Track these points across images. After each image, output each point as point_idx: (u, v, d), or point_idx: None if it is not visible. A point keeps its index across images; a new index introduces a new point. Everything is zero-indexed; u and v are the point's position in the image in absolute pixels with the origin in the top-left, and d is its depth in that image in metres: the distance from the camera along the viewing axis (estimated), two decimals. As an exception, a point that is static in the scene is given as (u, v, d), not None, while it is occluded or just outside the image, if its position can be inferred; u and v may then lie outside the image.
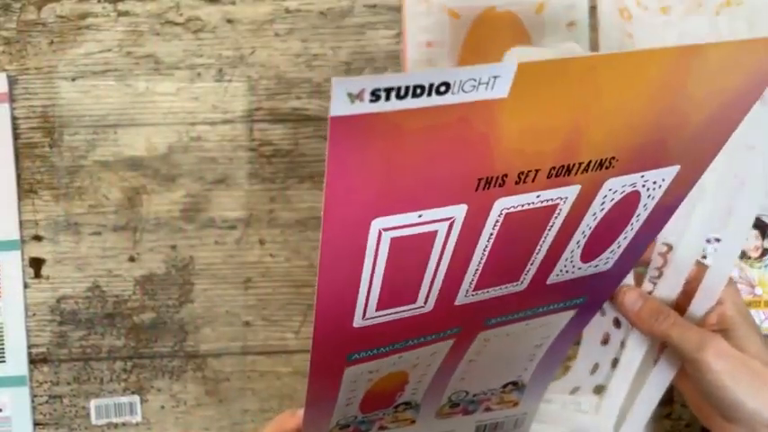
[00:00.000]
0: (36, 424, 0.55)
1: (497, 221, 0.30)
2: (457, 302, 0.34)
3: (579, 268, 0.36)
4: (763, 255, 0.52)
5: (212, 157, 0.54)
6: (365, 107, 0.23)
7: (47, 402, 0.55)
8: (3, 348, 0.54)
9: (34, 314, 0.55)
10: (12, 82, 0.55)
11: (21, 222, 0.54)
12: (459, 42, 0.53)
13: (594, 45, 0.53)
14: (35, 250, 0.55)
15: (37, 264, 0.55)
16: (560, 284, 0.36)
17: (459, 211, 0.29)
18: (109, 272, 0.55)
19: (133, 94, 0.54)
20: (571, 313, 0.40)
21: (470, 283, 0.33)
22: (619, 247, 0.36)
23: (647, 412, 0.43)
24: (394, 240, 0.29)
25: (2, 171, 0.54)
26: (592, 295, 0.39)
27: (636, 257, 0.37)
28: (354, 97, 0.23)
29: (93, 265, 0.55)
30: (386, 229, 0.28)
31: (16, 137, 0.55)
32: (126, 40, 0.54)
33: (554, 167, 0.29)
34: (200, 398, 0.55)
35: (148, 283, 0.55)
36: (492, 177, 0.28)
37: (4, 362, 0.54)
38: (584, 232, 0.33)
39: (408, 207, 0.28)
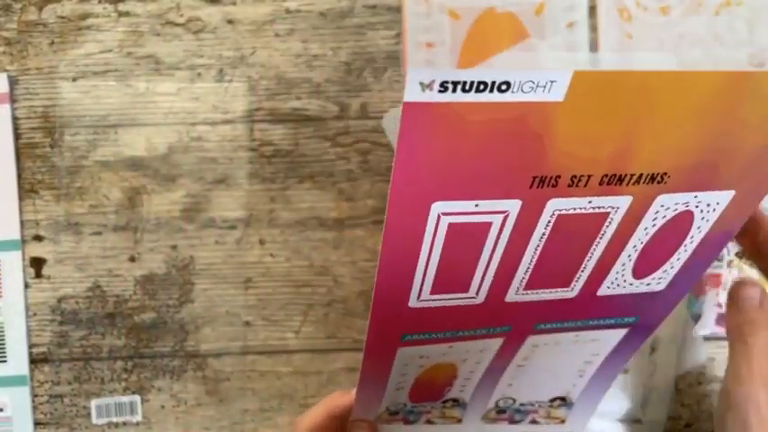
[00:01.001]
0: (37, 423, 0.55)
1: (549, 222, 0.31)
2: (507, 299, 0.35)
3: (631, 284, 0.36)
4: None
5: (212, 158, 0.54)
6: (434, 96, 0.26)
7: (47, 402, 0.55)
8: (3, 348, 0.54)
9: (35, 314, 0.55)
10: (12, 82, 0.55)
11: (21, 222, 0.55)
12: (459, 43, 0.53)
13: (594, 45, 0.53)
14: (36, 250, 0.55)
15: (38, 264, 0.55)
16: (611, 298, 0.37)
17: (513, 206, 0.30)
18: (109, 272, 0.55)
19: (133, 95, 0.54)
20: (622, 332, 0.40)
21: (521, 281, 0.34)
22: (672, 268, 0.36)
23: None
24: (451, 226, 0.30)
25: (2, 171, 0.54)
26: (644, 316, 0.39)
27: (690, 282, 0.37)
28: (425, 86, 0.26)
29: (94, 265, 0.55)
30: (444, 214, 0.30)
31: (17, 137, 0.55)
32: (126, 40, 0.54)
33: (606, 175, 0.30)
34: (200, 397, 0.55)
35: (149, 282, 0.55)
36: (545, 177, 0.29)
37: (4, 362, 0.54)
38: (635, 246, 0.34)
39: (466, 195, 0.29)
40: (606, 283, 0.36)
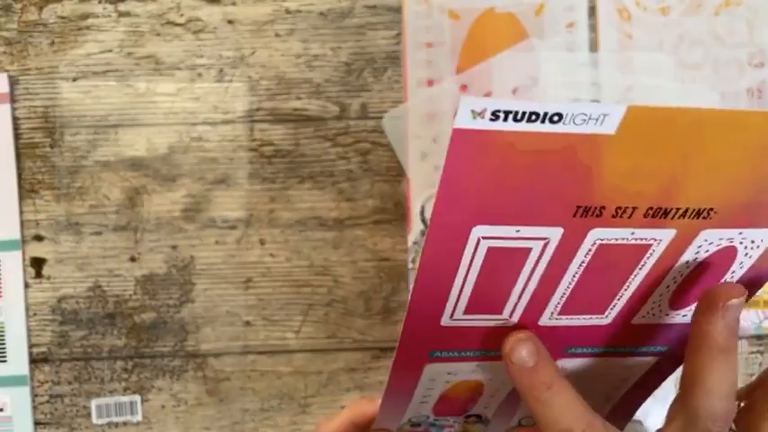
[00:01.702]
0: (37, 423, 0.55)
1: (590, 250, 0.31)
2: (540, 323, 0.36)
3: (667, 314, 0.36)
4: None
5: (213, 158, 0.54)
6: (485, 124, 0.26)
7: (48, 402, 0.55)
8: (4, 348, 0.54)
9: (35, 314, 0.55)
10: (13, 82, 0.55)
11: (22, 222, 0.55)
12: (458, 43, 0.53)
13: (594, 46, 0.53)
14: (36, 250, 0.55)
15: (38, 264, 0.55)
16: (646, 327, 0.37)
17: (554, 234, 0.30)
18: (110, 272, 0.55)
19: (134, 95, 0.55)
20: (652, 360, 0.40)
21: (556, 306, 0.34)
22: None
23: None
24: (490, 249, 0.31)
25: (3, 171, 0.54)
26: (677, 346, 0.39)
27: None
28: (477, 114, 0.26)
29: (94, 265, 0.55)
30: (485, 238, 0.30)
31: (17, 137, 0.55)
32: (127, 40, 0.54)
33: (651, 208, 0.30)
34: (200, 397, 0.55)
35: (149, 282, 0.55)
36: (590, 207, 0.29)
37: (5, 361, 0.54)
38: (675, 278, 0.34)
39: (508, 221, 0.30)
40: (642, 312, 0.36)
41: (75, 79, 0.54)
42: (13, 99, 0.55)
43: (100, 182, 0.55)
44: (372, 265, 0.54)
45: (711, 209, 0.30)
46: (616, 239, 0.31)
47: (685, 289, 0.35)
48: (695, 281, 0.34)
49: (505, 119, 0.26)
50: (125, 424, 0.55)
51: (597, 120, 0.26)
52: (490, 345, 0.37)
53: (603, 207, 0.29)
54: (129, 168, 0.55)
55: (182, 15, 0.54)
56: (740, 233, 0.32)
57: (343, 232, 0.54)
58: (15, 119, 0.55)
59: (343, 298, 0.54)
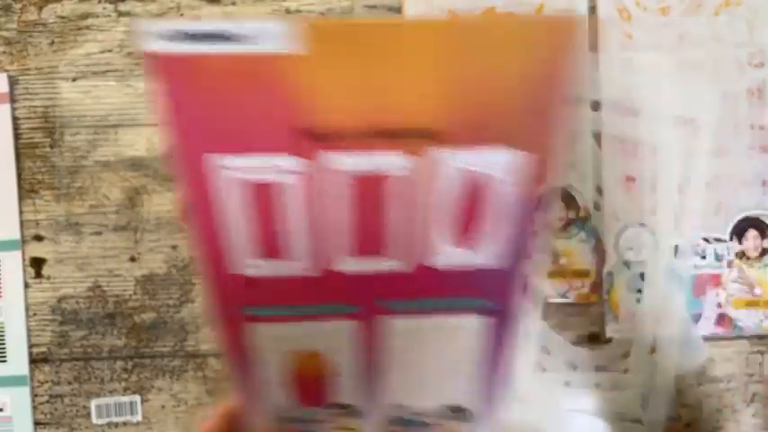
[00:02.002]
0: (37, 423, 0.55)
1: (341, 181, 0.31)
2: (338, 269, 0.35)
3: (460, 255, 0.36)
4: (762, 254, 0.52)
5: (213, 158, 0.54)
6: (172, 47, 0.26)
7: (47, 402, 0.55)
8: (4, 348, 0.54)
9: (35, 314, 0.55)
10: (12, 82, 0.55)
11: (22, 222, 0.55)
12: (459, 43, 0.53)
13: (594, 46, 0.53)
14: (36, 250, 0.55)
15: (38, 264, 0.55)
16: (450, 275, 0.37)
17: (292, 163, 0.30)
18: (110, 271, 0.55)
19: (134, 95, 0.54)
20: (479, 321, 0.39)
21: (343, 249, 0.34)
22: (491, 238, 0.35)
23: None
24: (239, 183, 0.31)
25: (3, 171, 0.54)
26: (494, 300, 0.38)
27: (522, 255, 0.37)
28: (160, 37, 0.26)
29: (94, 265, 0.55)
30: (224, 168, 0.30)
31: (17, 137, 0.55)
32: (126, 40, 0.54)
33: (375, 130, 0.30)
34: (200, 397, 0.55)
35: (149, 282, 0.55)
36: (312, 131, 0.29)
37: (4, 361, 0.54)
38: (443, 209, 0.34)
39: (235, 149, 0.30)
40: (433, 254, 0.35)
41: (74, 79, 0.54)
42: (12, 99, 0.55)
43: (100, 182, 0.55)
44: (372, 265, 0.54)
45: (436, 129, 0.30)
46: (357, 166, 0.31)
47: (460, 224, 0.34)
48: (465, 215, 0.34)
49: (192, 41, 0.26)
50: (125, 424, 0.55)
51: (278, 39, 0.26)
52: (300, 298, 0.36)
53: (325, 131, 0.29)
54: (129, 168, 0.55)
55: (182, 15, 0.54)
56: (480, 156, 0.31)
57: (343, 232, 0.54)
58: (15, 119, 0.55)
59: (343, 298, 0.54)
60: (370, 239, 0.35)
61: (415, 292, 0.37)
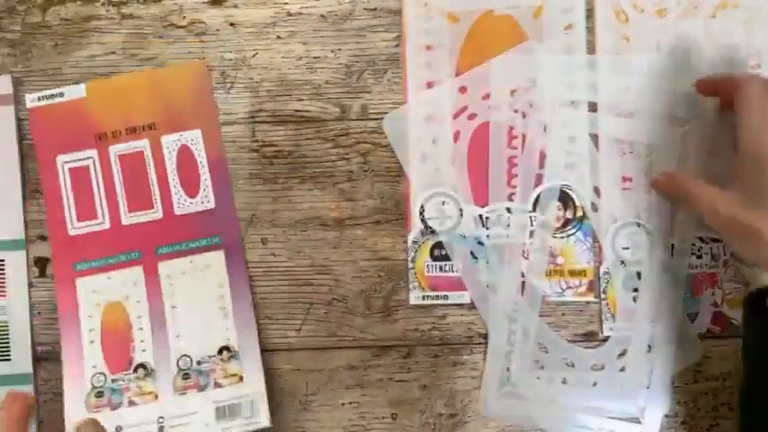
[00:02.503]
0: (40, 422, 0.55)
1: (117, 160, 0.54)
2: (123, 222, 0.53)
3: (191, 204, 0.53)
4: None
5: (215, 158, 0.55)
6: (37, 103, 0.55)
7: (51, 400, 0.55)
8: (8, 346, 0.55)
9: (39, 312, 0.55)
10: (17, 84, 0.55)
11: (26, 222, 0.55)
12: (458, 45, 0.53)
13: (592, 47, 0.53)
14: (40, 250, 0.55)
15: (42, 263, 0.55)
16: (188, 217, 0.53)
17: (93, 154, 0.54)
18: (113, 271, 0.55)
19: (137, 96, 0.55)
20: (221, 255, 0.53)
21: (124, 205, 0.53)
22: (206, 188, 0.53)
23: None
24: (71, 170, 0.54)
25: (7, 172, 0.55)
26: (223, 235, 0.54)
27: (225, 198, 0.54)
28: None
29: (98, 265, 0.55)
30: (65, 162, 0.54)
31: (21, 138, 0.55)
32: (129, 42, 0.55)
33: (128, 128, 0.54)
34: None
35: (152, 282, 0.55)
36: (103, 134, 0.54)
37: (8, 360, 0.54)
38: (173, 172, 0.53)
39: (70, 149, 0.54)
40: (175, 203, 0.53)
41: (78, 81, 0.55)
42: (16, 100, 0.55)
43: (103, 182, 0.55)
44: (372, 264, 0.54)
45: (154, 122, 0.54)
46: (125, 150, 0.54)
47: (187, 181, 0.53)
48: (187, 172, 0.54)
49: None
50: (128, 422, 0.56)
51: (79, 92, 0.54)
52: (104, 250, 0.53)
53: (109, 132, 0.54)
54: (131, 169, 0.55)
55: (184, 18, 0.55)
56: (181, 135, 0.54)
57: (343, 232, 0.54)
58: (19, 120, 0.55)
59: (343, 297, 0.54)
60: (137, 199, 0.53)
61: (172, 236, 0.53)
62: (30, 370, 0.55)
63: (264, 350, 0.54)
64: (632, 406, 0.53)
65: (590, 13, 0.53)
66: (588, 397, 0.53)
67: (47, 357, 0.55)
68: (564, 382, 0.53)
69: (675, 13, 0.53)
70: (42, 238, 0.55)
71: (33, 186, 0.55)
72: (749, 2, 0.53)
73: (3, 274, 0.55)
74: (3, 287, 0.55)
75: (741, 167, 0.44)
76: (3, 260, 0.55)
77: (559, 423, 0.53)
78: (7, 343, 0.55)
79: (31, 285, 0.55)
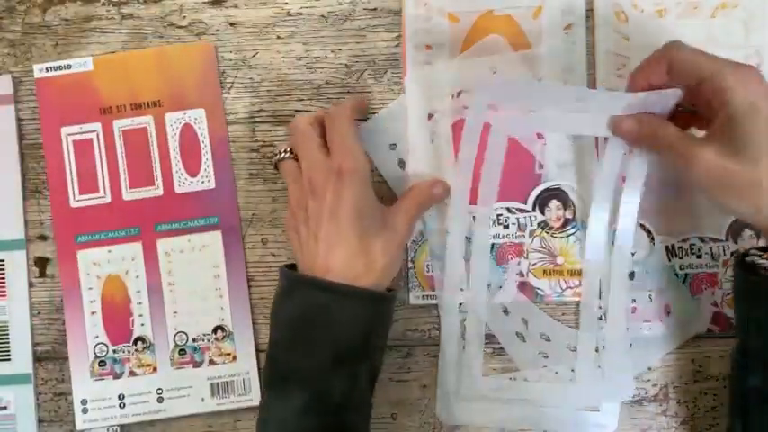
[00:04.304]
0: (40, 421, 0.55)
1: (121, 135, 0.54)
2: (124, 197, 0.54)
3: (192, 182, 0.53)
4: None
5: (215, 158, 0.55)
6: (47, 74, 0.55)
7: (51, 400, 0.55)
8: (8, 346, 0.55)
9: (39, 312, 0.55)
10: (17, 83, 0.55)
11: (26, 222, 0.55)
12: (457, 45, 0.53)
13: (591, 47, 0.53)
14: (40, 249, 0.55)
15: (42, 263, 0.55)
16: (188, 196, 0.54)
17: (97, 127, 0.54)
18: (113, 271, 0.55)
19: (137, 96, 0.55)
20: (218, 235, 0.54)
21: (126, 181, 0.54)
22: (208, 168, 0.54)
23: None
24: (75, 142, 0.54)
25: (7, 172, 0.55)
26: (221, 215, 0.54)
27: (227, 178, 0.54)
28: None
29: (97, 265, 0.55)
30: (69, 134, 0.54)
31: (21, 138, 0.55)
32: (130, 42, 0.55)
33: (133, 103, 0.54)
34: (202, 395, 0.55)
35: (152, 282, 0.55)
36: (107, 108, 0.54)
37: (9, 360, 0.55)
38: (176, 149, 0.54)
39: (75, 121, 0.54)
40: (176, 181, 0.54)
41: (78, 81, 0.55)
42: (16, 100, 0.55)
43: (103, 182, 0.55)
44: (372, 264, 0.54)
45: (159, 100, 0.54)
46: (129, 125, 0.54)
47: (189, 159, 0.54)
48: (189, 155, 0.54)
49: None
50: (128, 422, 0.56)
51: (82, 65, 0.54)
52: (104, 224, 0.54)
53: (114, 107, 0.54)
54: (131, 169, 0.55)
55: (184, 18, 0.55)
56: (185, 113, 0.54)
57: (343, 232, 0.54)
58: (19, 120, 0.55)
59: (343, 297, 0.54)
60: (138, 176, 0.54)
61: (171, 213, 0.54)
62: (30, 370, 0.55)
63: (265, 350, 0.54)
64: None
65: (590, 14, 0.53)
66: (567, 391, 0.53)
67: (47, 357, 0.55)
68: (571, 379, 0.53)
69: (675, 13, 0.53)
70: (42, 237, 0.55)
71: (33, 186, 0.55)
72: (749, 2, 0.53)
73: (3, 274, 0.55)
74: (3, 287, 0.55)
75: (725, 120, 0.42)
76: (3, 260, 0.55)
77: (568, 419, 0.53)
78: (7, 343, 0.55)
79: (31, 285, 0.55)
